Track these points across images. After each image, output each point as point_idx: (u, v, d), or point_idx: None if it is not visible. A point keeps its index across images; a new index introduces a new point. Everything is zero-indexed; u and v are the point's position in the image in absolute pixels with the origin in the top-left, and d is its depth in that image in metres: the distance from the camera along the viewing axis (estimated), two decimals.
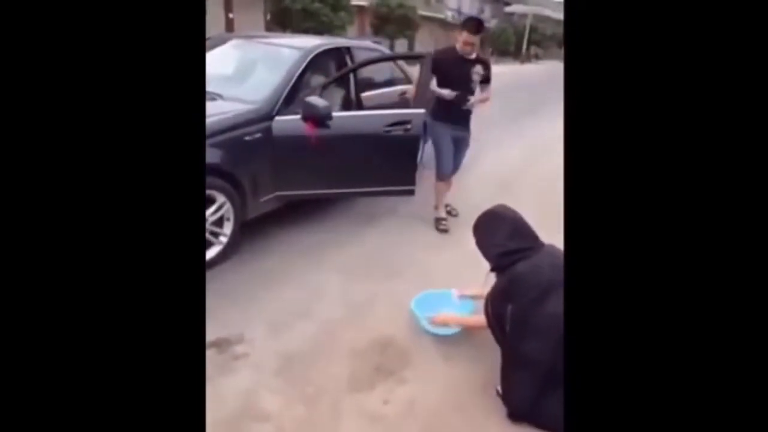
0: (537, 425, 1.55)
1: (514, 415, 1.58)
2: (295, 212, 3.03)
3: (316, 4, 13.96)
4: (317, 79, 3.17)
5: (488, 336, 1.88)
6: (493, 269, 1.71)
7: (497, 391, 1.66)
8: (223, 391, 1.61)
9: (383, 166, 2.80)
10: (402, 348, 1.92)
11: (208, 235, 2.33)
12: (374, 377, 1.74)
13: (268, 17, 13.92)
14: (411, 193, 2.89)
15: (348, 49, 3.41)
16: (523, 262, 1.61)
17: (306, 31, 12.98)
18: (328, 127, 2.57)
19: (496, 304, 1.64)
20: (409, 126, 2.73)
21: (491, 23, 35.42)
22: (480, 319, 1.74)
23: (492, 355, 1.89)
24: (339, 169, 2.79)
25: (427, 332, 1.98)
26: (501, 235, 1.69)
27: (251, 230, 2.67)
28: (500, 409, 1.62)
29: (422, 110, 2.81)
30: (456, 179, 3.31)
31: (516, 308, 1.56)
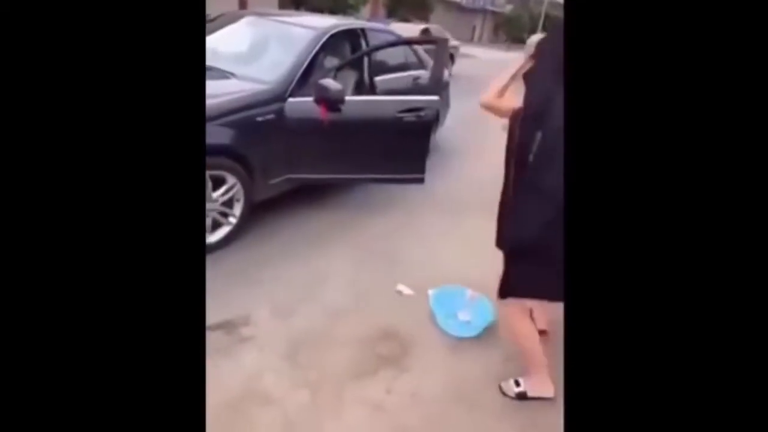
0: (534, 264, 1.43)
1: (515, 250, 1.48)
2: (303, 195, 3.02)
3: None
4: (331, 61, 3.13)
5: (493, 329, 1.88)
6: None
7: (499, 388, 1.67)
8: (229, 374, 1.63)
9: (394, 152, 2.79)
10: (406, 337, 1.93)
11: (217, 216, 2.33)
12: (377, 365, 1.75)
13: None
14: (421, 181, 2.87)
15: (363, 31, 3.35)
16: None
17: (319, 9, 12.76)
18: (340, 110, 2.54)
19: (526, 127, 1.45)
20: (422, 113, 2.69)
21: (506, 9, 34.76)
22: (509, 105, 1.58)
23: (497, 347, 1.90)
24: (350, 154, 2.77)
25: (446, 332, 1.95)
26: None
27: (259, 212, 2.67)
28: (502, 402, 1.63)
29: (436, 97, 2.77)
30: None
31: (546, 135, 1.37)
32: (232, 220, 2.41)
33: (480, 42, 27.61)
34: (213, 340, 1.77)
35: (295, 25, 3.03)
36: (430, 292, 2.09)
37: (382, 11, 20.69)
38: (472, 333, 1.94)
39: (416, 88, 3.67)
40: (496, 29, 34.73)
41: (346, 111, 2.56)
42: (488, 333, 1.96)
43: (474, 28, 32.09)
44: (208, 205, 2.25)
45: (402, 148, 2.77)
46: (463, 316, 2.03)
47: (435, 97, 2.75)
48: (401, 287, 2.23)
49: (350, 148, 2.74)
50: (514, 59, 1.73)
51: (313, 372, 1.68)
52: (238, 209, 2.41)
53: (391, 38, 3.53)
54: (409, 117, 2.68)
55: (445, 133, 4.51)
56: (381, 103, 2.83)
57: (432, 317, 2.03)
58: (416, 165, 2.81)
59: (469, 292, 2.11)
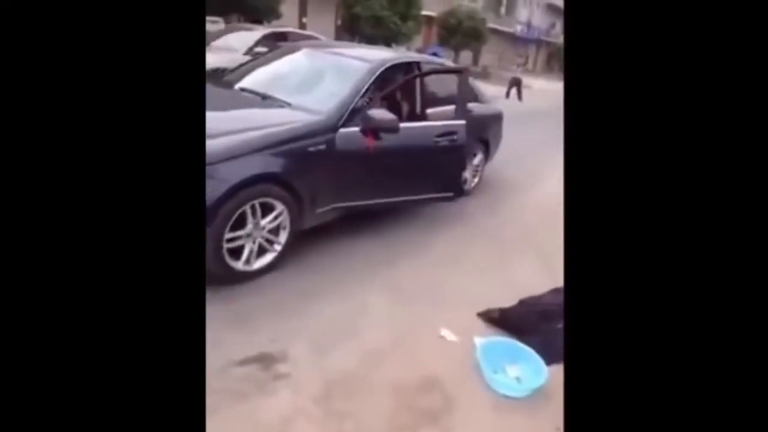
0: None
1: None
2: (346, 225, 2.99)
3: (386, 12, 14.12)
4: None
5: (544, 392, 1.73)
6: None
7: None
8: (261, 413, 1.57)
9: (433, 174, 3.06)
10: (448, 390, 1.79)
11: (263, 242, 2.33)
12: (417, 421, 1.63)
13: (339, 23, 14.25)
14: (456, 196, 3.16)
15: (418, 65, 3.34)
16: None
17: (373, 38, 13.13)
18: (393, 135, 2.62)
19: None
20: (455, 137, 2.98)
21: (560, 39, 34.35)
22: None
23: (548, 414, 1.73)
24: (392, 179, 2.92)
25: (493, 390, 1.80)
26: None
27: (301, 242, 2.65)
28: None
29: (464, 122, 3.04)
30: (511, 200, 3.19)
31: None
32: (277, 247, 2.40)
33: (533, 72, 27.40)
34: (249, 374, 1.72)
35: (351, 57, 3.07)
36: (477, 341, 1.95)
37: (434, 40, 21.03)
38: (522, 393, 1.78)
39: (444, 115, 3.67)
40: (549, 59, 34.38)
41: (392, 138, 2.63)
42: (539, 395, 1.79)
43: (527, 58, 31.92)
44: (255, 232, 2.26)
45: (440, 169, 3.03)
46: (512, 372, 1.88)
47: (463, 122, 3.03)
48: (445, 332, 2.11)
49: (393, 174, 2.88)
50: None
51: (348, 421, 1.59)
52: (283, 237, 2.40)
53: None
54: (444, 141, 2.95)
55: (495, 168, 4.38)
56: (420, 129, 3.01)
57: (477, 368, 1.89)
58: (452, 184, 3.11)
59: (520, 345, 1.96)
